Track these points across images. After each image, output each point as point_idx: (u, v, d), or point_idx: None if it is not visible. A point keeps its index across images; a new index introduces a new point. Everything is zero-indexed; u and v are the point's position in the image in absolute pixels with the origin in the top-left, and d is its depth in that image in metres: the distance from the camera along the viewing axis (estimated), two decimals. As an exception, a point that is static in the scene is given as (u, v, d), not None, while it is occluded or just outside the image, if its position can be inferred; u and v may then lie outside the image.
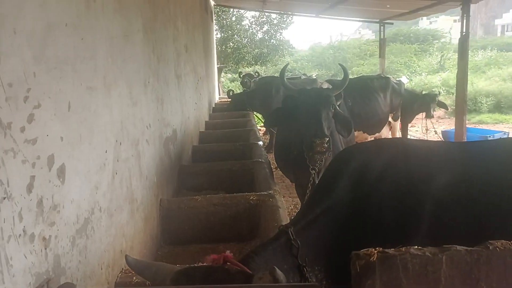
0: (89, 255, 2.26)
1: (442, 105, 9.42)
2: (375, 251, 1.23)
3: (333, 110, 3.88)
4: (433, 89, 11.02)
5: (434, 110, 9.16)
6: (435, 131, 9.97)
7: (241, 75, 13.25)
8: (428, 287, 1.21)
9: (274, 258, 1.74)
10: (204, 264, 1.68)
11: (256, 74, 14.03)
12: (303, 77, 8.82)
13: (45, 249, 1.78)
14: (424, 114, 9.31)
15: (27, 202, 1.65)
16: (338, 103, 4.16)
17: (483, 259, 1.19)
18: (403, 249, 1.24)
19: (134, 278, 2.64)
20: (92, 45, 2.38)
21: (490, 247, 1.20)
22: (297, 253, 1.75)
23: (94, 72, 2.40)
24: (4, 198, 1.50)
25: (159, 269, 1.74)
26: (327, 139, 3.57)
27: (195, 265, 1.71)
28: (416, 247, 1.25)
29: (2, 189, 1.49)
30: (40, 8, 1.78)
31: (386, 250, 1.23)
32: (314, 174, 3.79)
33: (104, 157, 2.55)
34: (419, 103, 8.90)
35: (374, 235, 1.79)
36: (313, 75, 18.25)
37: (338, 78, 7.96)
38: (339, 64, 5.84)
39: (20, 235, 1.60)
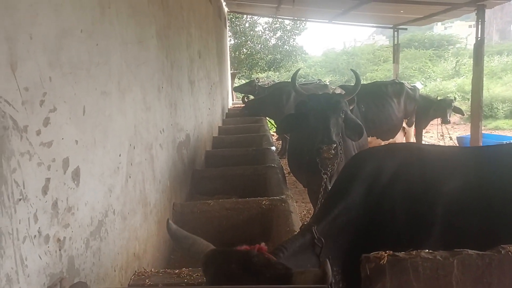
0: (102, 257, 2.29)
1: (457, 110, 9.32)
2: (385, 254, 1.22)
3: (343, 116, 3.86)
4: (448, 95, 10.92)
5: (450, 116, 9.05)
6: (450, 137, 9.86)
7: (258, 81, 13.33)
8: (439, 291, 1.20)
9: (301, 255, 1.72)
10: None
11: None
12: (322, 83, 8.81)
13: (60, 250, 1.81)
14: (439, 120, 9.22)
15: (42, 204, 1.68)
16: (351, 107, 4.15)
17: (495, 263, 1.18)
18: (414, 252, 1.23)
19: (147, 280, 2.66)
20: (107, 51, 2.43)
21: (502, 251, 1.19)
22: (320, 252, 1.74)
23: (108, 77, 2.44)
24: (20, 199, 1.53)
25: (196, 242, 1.72)
26: (334, 145, 3.55)
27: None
28: (427, 250, 1.24)
29: (18, 191, 1.52)
30: (55, 14, 1.82)
31: (397, 253, 1.23)
32: (326, 178, 3.78)
33: (118, 160, 2.59)
34: (435, 108, 8.81)
35: (387, 238, 1.78)
36: (327, 81, 18.23)
37: (352, 84, 7.95)
38: (351, 69, 5.83)
39: (35, 236, 1.63)
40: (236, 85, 16.95)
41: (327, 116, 3.71)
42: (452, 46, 35.23)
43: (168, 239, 3.82)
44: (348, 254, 1.80)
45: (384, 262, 1.21)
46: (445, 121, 9.02)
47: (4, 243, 1.43)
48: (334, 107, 3.81)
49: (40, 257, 1.66)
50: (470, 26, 40.11)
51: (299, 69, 6.37)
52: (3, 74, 1.45)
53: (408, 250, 1.25)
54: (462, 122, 16.22)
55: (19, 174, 1.53)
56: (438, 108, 8.82)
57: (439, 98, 9.31)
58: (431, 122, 9.53)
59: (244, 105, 8.92)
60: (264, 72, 23.96)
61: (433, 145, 2.40)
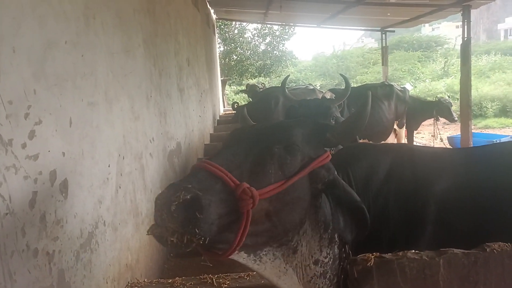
0: (94, 269, 2.27)
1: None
2: (372, 256, 1.23)
3: (333, 121, 3.88)
4: (438, 95, 11.02)
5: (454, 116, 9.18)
6: (440, 139, 9.93)
7: (247, 86, 13.31)
8: (427, 291, 1.21)
9: None
10: None
11: (262, 84, 14.06)
12: (310, 87, 8.80)
13: (49, 263, 1.80)
14: (431, 120, 9.30)
15: (30, 217, 1.67)
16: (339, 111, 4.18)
17: (481, 261, 1.19)
18: (400, 253, 1.24)
19: (139, 291, 2.65)
20: (92, 61, 2.42)
21: (487, 249, 1.20)
22: None
23: (94, 88, 2.43)
24: (7, 214, 1.52)
25: None
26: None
27: None
28: (414, 251, 1.25)
29: (5, 205, 1.51)
30: (39, 26, 1.82)
31: (383, 255, 1.24)
32: None
33: (107, 171, 2.58)
34: (438, 109, 8.90)
35: (381, 236, 1.79)
36: (317, 85, 18.29)
37: (342, 87, 7.98)
38: (340, 74, 5.86)
39: (23, 250, 1.62)
40: (227, 91, 16.95)
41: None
42: (440, 47, 35.53)
43: (162, 248, 3.80)
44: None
45: (371, 264, 1.21)
46: (452, 120, 9.11)
47: (-9, 258, 1.42)
48: (325, 113, 3.83)
49: (29, 271, 1.64)
50: (457, 27, 40.50)
51: (288, 75, 6.40)
52: (-14, 88, 1.45)
53: (395, 251, 1.26)
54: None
55: (5, 188, 1.52)
56: (442, 108, 8.91)
57: (429, 99, 9.39)
58: (422, 123, 9.60)
59: (234, 112, 8.92)
60: (254, 78, 24.00)
61: (424, 146, 2.42)
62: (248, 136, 1.67)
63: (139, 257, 3.18)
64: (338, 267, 1.77)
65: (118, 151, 2.80)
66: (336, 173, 1.70)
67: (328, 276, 1.75)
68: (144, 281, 2.88)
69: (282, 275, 1.71)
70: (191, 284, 2.80)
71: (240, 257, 1.60)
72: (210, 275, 2.91)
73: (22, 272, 1.60)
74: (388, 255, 1.23)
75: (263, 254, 1.65)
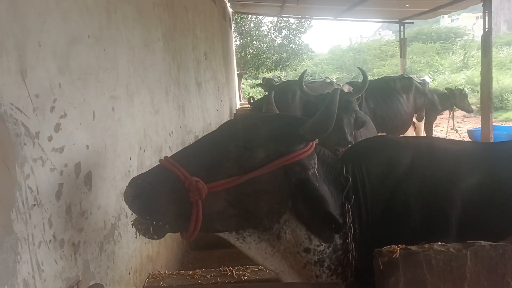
0: (117, 260, 2.31)
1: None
2: (398, 248, 1.22)
3: (354, 116, 3.83)
4: (459, 87, 10.83)
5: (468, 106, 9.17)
6: (456, 130, 9.78)
7: (264, 80, 13.28)
8: (453, 283, 1.20)
9: None
10: None
11: (279, 78, 14.01)
12: (327, 80, 8.73)
13: (75, 254, 1.84)
14: (449, 113, 9.18)
15: (56, 209, 1.70)
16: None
17: (509, 254, 1.17)
18: (427, 245, 1.23)
19: (161, 282, 2.69)
20: (114, 55, 2.45)
21: (516, 242, 1.18)
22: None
23: (116, 82, 2.46)
24: (34, 205, 1.55)
25: None
26: (350, 146, 3.53)
27: None
28: (440, 243, 1.24)
29: (32, 196, 1.55)
30: (63, 21, 1.85)
31: (409, 247, 1.23)
32: None
33: (128, 164, 2.61)
34: (456, 100, 8.88)
35: (400, 234, 1.75)
36: (334, 78, 18.15)
37: (359, 80, 7.91)
38: (358, 67, 5.79)
39: (50, 240, 1.65)
40: (243, 85, 16.94)
41: (339, 117, 3.66)
42: (460, 39, 34.87)
43: (181, 241, 3.84)
44: (362, 245, 1.79)
45: (397, 256, 1.21)
46: (469, 110, 9.10)
47: (20, 249, 1.46)
48: (346, 107, 3.77)
49: (55, 262, 1.68)
50: (477, 18, 39.73)
51: (306, 70, 6.34)
52: (14, 81, 1.47)
53: (421, 243, 1.25)
54: (472, 115, 16.06)
55: (32, 180, 1.55)
56: (458, 98, 8.89)
57: (444, 91, 9.29)
58: (441, 117, 9.47)
59: (250, 106, 8.92)
60: (270, 72, 23.95)
61: (445, 139, 2.36)
62: (218, 133, 1.83)
63: (160, 250, 3.22)
64: (342, 258, 1.78)
65: (139, 144, 2.83)
66: (311, 172, 1.72)
67: (326, 265, 1.79)
68: (165, 272, 2.92)
69: (269, 257, 1.84)
70: (211, 276, 2.83)
71: (220, 234, 1.81)
72: (230, 267, 2.94)
73: (49, 263, 1.64)
74: (414, 247, 1.23)
75: (246, 235, 1.80)
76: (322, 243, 1.77)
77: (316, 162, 1.79)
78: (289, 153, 1.71)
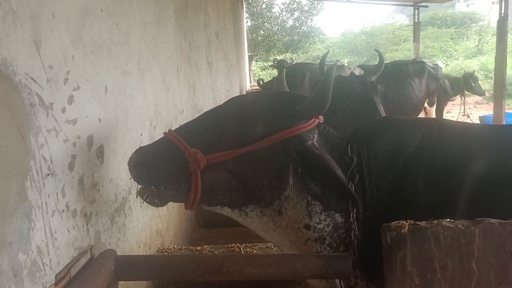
0: (127, 232, 2.35)
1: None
2: (406, 223, 1.23)
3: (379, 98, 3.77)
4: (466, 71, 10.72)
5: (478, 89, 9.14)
6: (467, 116, 9.71)
7: (275, 61, 13.18)
8: (461, 259, 1.21)
9: None
10: None
11: (291, 60, 13.90)
12: (338, 63, 8.66)
13: (87, 224, 1.87)
14: (460, 99, 9.11)
15: (69, 179, 1.73)
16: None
17: (517, 231, 1.18)
18: (435, 221, 1.23)
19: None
20: (126, 31, 2.45)
21: (525, 220, 1.18)
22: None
23: (128, 57, 2.47)
24: (48, 174, 1.58)
25: None
26: None
27: None
28: (449, 219, 1.24)
29: (46, 166, 1.57)
30: (77, -7, 1.85)
31: (418, 222, 1.24)
32: None
33: (139, 139, 2.63)
34: (467, 84, 8.84)
35: (408, 213, 1.76)
36: (345, 62, 17.98)
37: (370, 64, 7.84)
38: (375, 49, 5.70)
39: (63, 210, 1.68)
40: (253, 67, 16.85)
41: (371, 99, 3.59)
42: (475, 24, 34.23)
43: (189, 218, 3.89)
44: (369, 222, 1.80)
45: (405, 231, 1.22)
46: (481, 93, 9.08)
47: (34, 216, 1.49)
48: (374, 89, 3.71)
49: (68, 231, 1.71)
50: (493, 3, 38.88)
51: (328, 51, 6.20)
52: (28, 52, 1.48)
53: (429, 219, 1.25)
54: (484, 102, 15.89)
55: (46, 150, 1.57)
56: (469, 82, 8.85)
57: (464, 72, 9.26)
58: (452, 102, 9.40)
59: (260, 88, 8.90)
60: (281, 54, 23.77)
61: (455, 121, 2.34)
62: (221, 108, 1.92)
63: (169, 225, 3.27)
64: (344, 236, 1.79)
65: (150, 120, 2.85)
66: (310, 143, 1.74)
67: (327, 243, 1.81)
68: (174, 247, 2.97)
69: (271, 231, 1.90)
70: (219, 252, 2.87)
71: (223, 211, 1.86)
72: (237, 244, 2.98)
73: (62, 231, 1.67)
74: (422, 223, 1.23)
75: (249, 210, 1.84)
76: (322, 221, 1.77)
77: (316, 136, 1.81)
78: (287, 128, 1.74)
